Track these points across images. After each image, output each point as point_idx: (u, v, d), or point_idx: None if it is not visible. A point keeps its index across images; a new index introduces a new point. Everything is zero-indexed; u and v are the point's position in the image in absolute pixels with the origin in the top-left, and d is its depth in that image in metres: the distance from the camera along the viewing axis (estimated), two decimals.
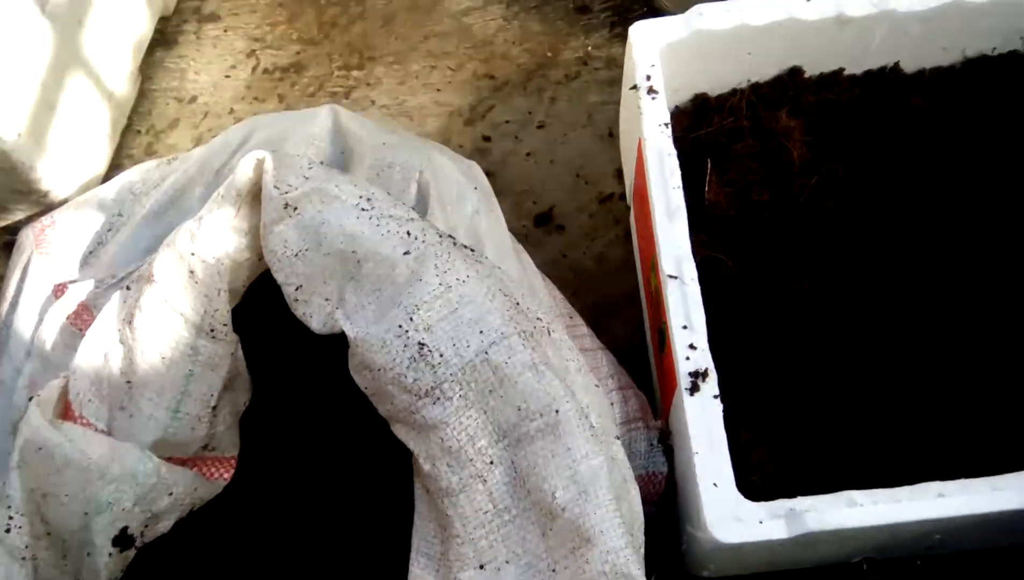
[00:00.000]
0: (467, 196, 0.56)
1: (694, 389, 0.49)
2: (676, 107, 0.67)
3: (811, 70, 0.63)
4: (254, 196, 0.49)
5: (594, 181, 0.74)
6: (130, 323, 0.49)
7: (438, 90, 0.81)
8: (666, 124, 0.58)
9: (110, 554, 0.45)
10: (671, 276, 0.52)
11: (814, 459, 0.51)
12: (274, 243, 0.47)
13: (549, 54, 0.81)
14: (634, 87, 0.59)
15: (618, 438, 0.51)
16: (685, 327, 0.51)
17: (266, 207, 0.48)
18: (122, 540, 0.46)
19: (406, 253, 0.46)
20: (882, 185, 0.56)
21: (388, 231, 0.47)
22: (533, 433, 0.44)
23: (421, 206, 0.56)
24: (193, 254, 0.48)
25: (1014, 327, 0.52)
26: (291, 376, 0.60)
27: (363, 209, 0.47)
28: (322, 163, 0.59)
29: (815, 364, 0.53)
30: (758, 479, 0.50)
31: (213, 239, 0.48)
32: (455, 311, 0.46)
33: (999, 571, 0.53)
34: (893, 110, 0.59)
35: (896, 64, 0.62)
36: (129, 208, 0.65)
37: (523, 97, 0.79)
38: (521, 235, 0.72)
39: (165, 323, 0.48)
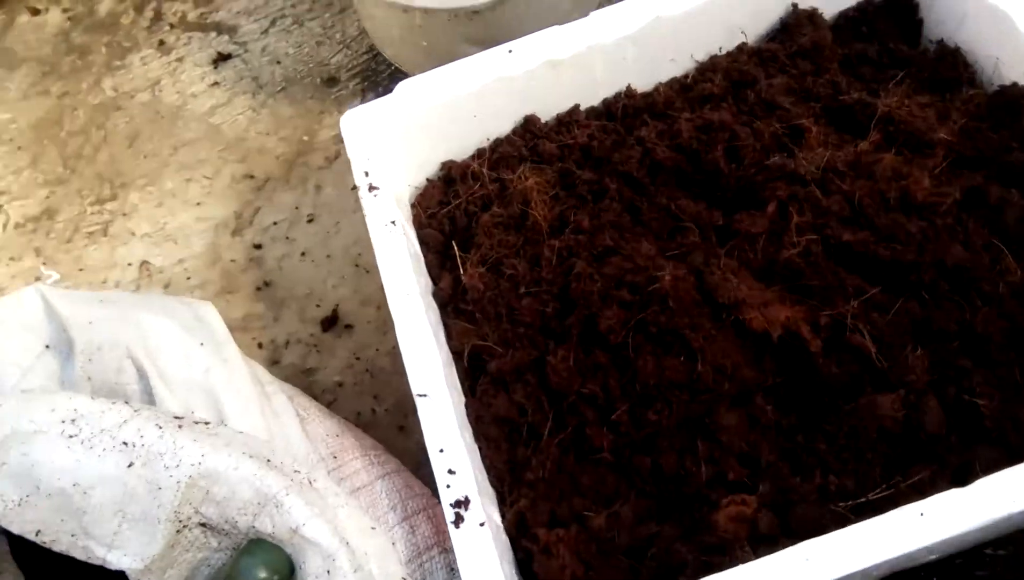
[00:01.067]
0: (192, 356, 0.51)
1: (458, 520, 0.44)
2: (428, 180, 0.62)
3: (546, 114, 0.59)
4: None
5: (374, 269, 0.68)
6: None
7: (198, 204, 0.75)
8: (393, 222, 0.53)
9: None
10: (420, 395, 0.48)
11: (620, 551, 0.47)
12: None
13: (306, 138, 0.75)
14: (355, 187, 0.54)
15: (406, 579, 0.47)
16: (442, 451, 0.46)
17: None
18: None
19: (130, 465, 0.44)
20: (627, 230, 0.52)
21: (104, 449, 0.45)
22: None
23: (144, 382, 0.51)
24: None
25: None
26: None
27: (70, 435, 0.45)
28: (48, 346, 0.54)
29: (602, 446, 0.49)
30: None
31: None
32: (208, 494, 0.45)
33: None
34: (626, 145, 0.55)
35: (628, 87, 0.58)
36: None
37: (288, 192, 0.74)
38: (312, 345, 0.67)
39: None
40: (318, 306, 0.68)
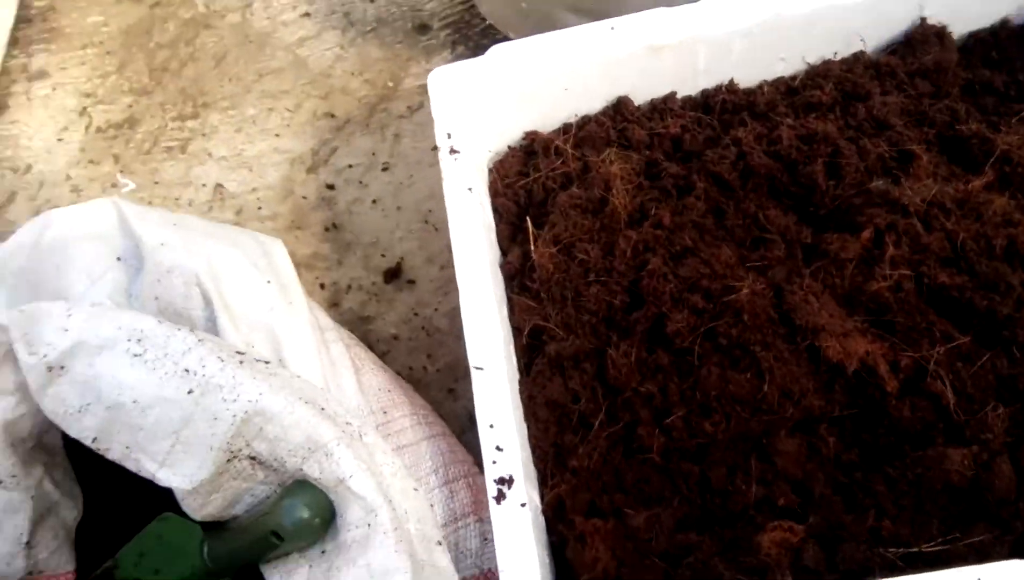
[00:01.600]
0: (259, 293, 0.52)
1: (500, 497, 0.45)
2: (509, 148, 0.61)
3: (640, 98, 0.57)
4: (12, 356, 0.46)
5: (444, 227, 0.68)
6: None
7: (277, 135, 0.75)
8: (470, 189, 0.52)
9: None
10: (476, 367, 0.48)
11: (655, 554, 0.47)
12: (51, 404, 0.46)
13: (390, 84, 0.74)
14: (435, 147, 0.53)
15: (440, 543, 0.48)
16: (492, 426, 0.46)
17: (29, 374, 0.46)
18: None
19: (190, 391, 0.45)
20: (709, 232, 0.51)
21: (166, 373, 0.45)
22: (349, 543, 0.44)
23: (209, 311, 0.51)
24: None
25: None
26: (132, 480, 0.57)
27: (135, 354, 0.46)
28: (119, 258, 0.55)
29: (653, 447, 0.49)
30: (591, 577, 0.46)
31: None
32: (261, 431, 0.46)
33: None
34: (720, 144, 0.53)
35: (731, 81, 0.56)
36: None
37: (366, 136, 0.73)
38: (372, 294, 0.67)
39: None
40: (383, 256, 0.68)
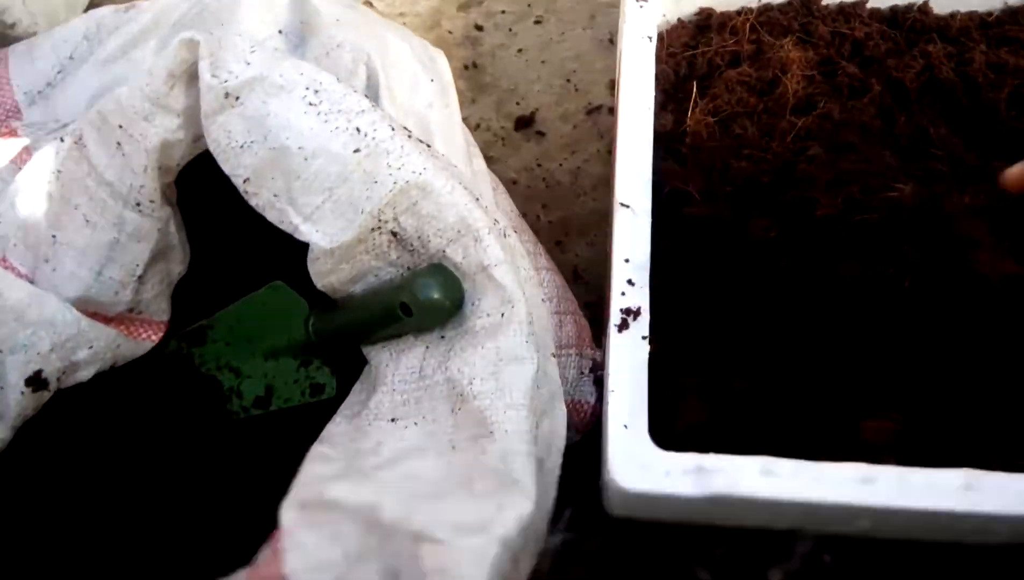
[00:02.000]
0: (421, 87, 0.52)
1: (623, 326, 0.46)
2: (679, 20, 0.61)
3: None
4: (189, 76, 0.47)
5: (585, 89, 0.69)
6: (59, 179, 0.48)
7: None
8: (650, 37, 0.52)
9: (22, 392, 0.46)
10: (623, 204, 0.49)
11: (754, 419, 0.48)
12: (217, 133, 0.46)
13: None
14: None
15: (554, 355, 0.49)
16: (627, 261, 0.47)
17: (205, 96, 0.45)
18: (36, 382, 0.47)
19: (356, 151, 0.45)
20: (874, 135, 0.51)
21: (337, 127, 0.45)
22: (478, 329, 0.45)
23: (372, 91, 0.52)
24: (121, 127, 0.46)
25: (978, 314, 0.47)
26: (235, 250, 0.58)
27: (310, 103, 0.45)
28: (280, 32, 0.55)
29: (771, 320, 0.50)
30: (682, 428, 0.48)
31: (141, 116, 0.46)
32: (415, 205, 0.46)
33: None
34: (906, 56, 0.53)
35: (925, 3, 0.55)
36: (82, 53, 0.62)
37: None
38: (499, 137, 0.68)
39: (92, 189, 0.48)
40: (518, 104, 0.69)
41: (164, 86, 0.46)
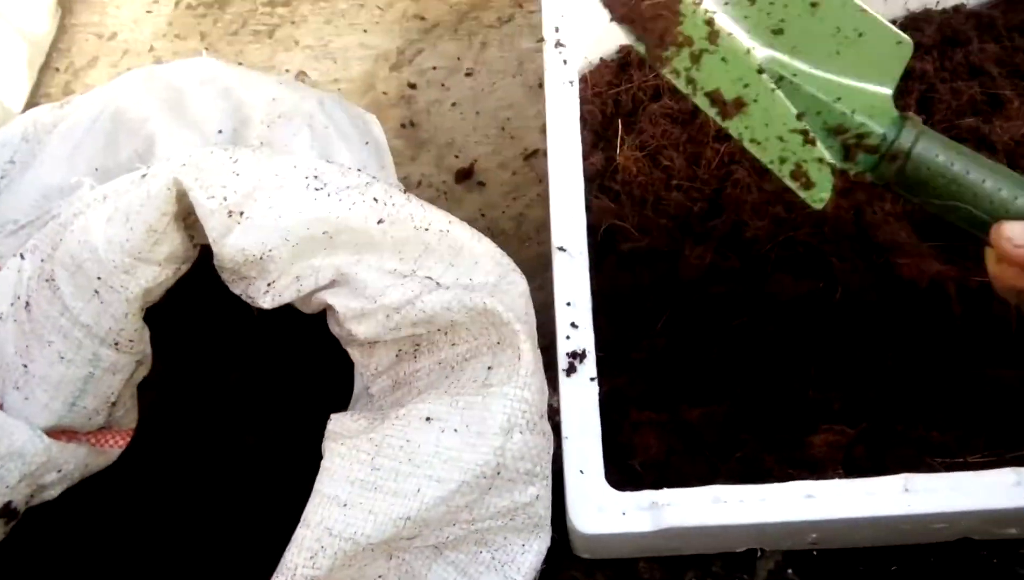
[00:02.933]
0: (355, 151, 0.53)
1: (571, 370, 0.47)
2: (601, 59, 0.63)
3: None
4: (174, 221, 0.44)
5: (520, 135, 0.70)
6: (27, 309, 0.45)
7: (365, 31, 0.76)
8: (571, 82, 0.54)
9: None
10: (560, 248, 0.50)
11: (708, 446, 0.49)
12: (231, 254, 0.43)
13: None
14: (541, 39, 0.55)
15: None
16: (569, 304, 0.48)
17: (208, 223, 0.43)
18: (5, 513, 0.45)
19: (380, 221, 0.43)
20: None
21: (353, 203, 0.43)
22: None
23: (321, 150, 0.52)
24: (100, 278, 0.44)
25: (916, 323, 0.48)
26: (195, 342, 0.58)
27: (316, 189, 0.43)
28: (220, 132, 0.56)
29: (713, 346, 0.51)
30: (638, 465, 0.48)
31: (122, 270, 0.43)
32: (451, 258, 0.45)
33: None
34: None
35: None
36: (24, 156, 0.62)
37: (453, 41, 0.75)
38: (441, 191, 0.69)
39: (66, 328, 0.45)
40: (456, 157, 0.70)
41: (146, 242, 0.43)
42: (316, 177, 0.43)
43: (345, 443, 0.38)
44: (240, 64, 0.77)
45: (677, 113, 0.56)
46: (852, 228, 0.48)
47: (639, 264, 0.53)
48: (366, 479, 0.37)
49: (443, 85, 0.73)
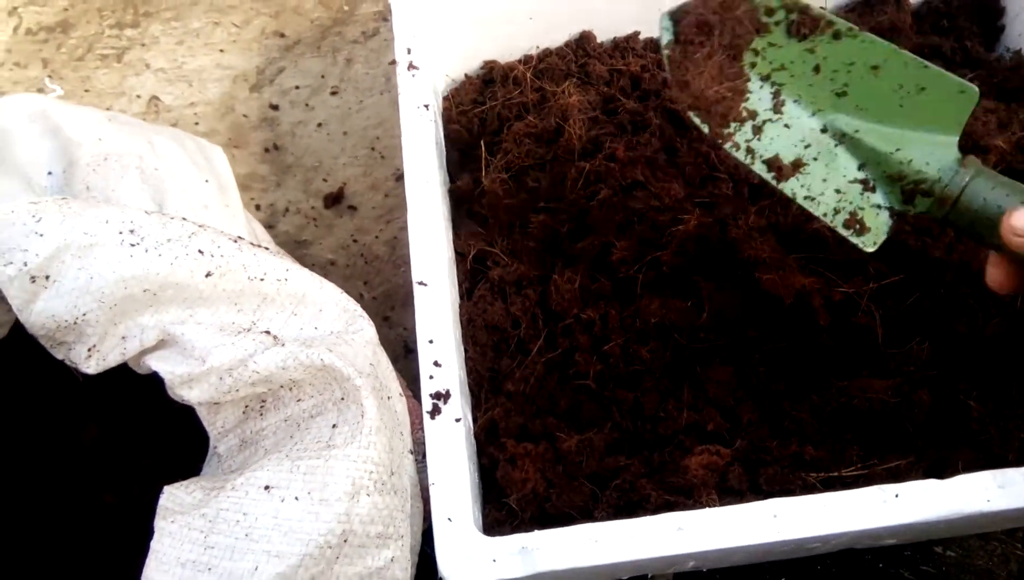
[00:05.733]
0: (194, 189, 0.49)
1: (435, 412, 0.44)
2: (466, 76, 0.60)
3: (604, 35, 0.57)
4: None
5: (391, 155, 0.67)
6: None
7: (221, 51, 0.72)
8: (427, 105, 0.51)
9: None
10: (420, 282, 0.47)
11: (584, 477, 0.47)
12: (41, 321, 0.40)
13: (347, 7, 0.73)
14: (393, 61, 0.52)
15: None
16: (431, 341, 0.46)
17: (7, 291, 0.39)
18: None
19: (208, 274, 0.40)
20: (660, 168, 0.51)
21: (176, 257, 0.40)
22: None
23: (153, 192, 0.48)
24: None
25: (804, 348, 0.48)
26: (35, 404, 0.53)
27: (132, 245, 0.40)
28: (49, 173, 0.51)
29: (589, 372, 0.49)
30: (514, 502, 0.46)
31: None
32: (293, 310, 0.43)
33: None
34: None
35: None
36: None
37: (316, 58, 0.71)
38: (310, 218, 0.65)
39: None
40: (325, 181, 0.67)
41: None
42: (132, 231, 0.40)
43: (176, 520, 0.35)
44: (87, 91, 0.72)
45: (541, 131, 0.54)
46: (717, 245, 0.47)
47: (510, 290, 0.51)
48: (198, 560, 0.34)
49: (307, 105, 0.69)
